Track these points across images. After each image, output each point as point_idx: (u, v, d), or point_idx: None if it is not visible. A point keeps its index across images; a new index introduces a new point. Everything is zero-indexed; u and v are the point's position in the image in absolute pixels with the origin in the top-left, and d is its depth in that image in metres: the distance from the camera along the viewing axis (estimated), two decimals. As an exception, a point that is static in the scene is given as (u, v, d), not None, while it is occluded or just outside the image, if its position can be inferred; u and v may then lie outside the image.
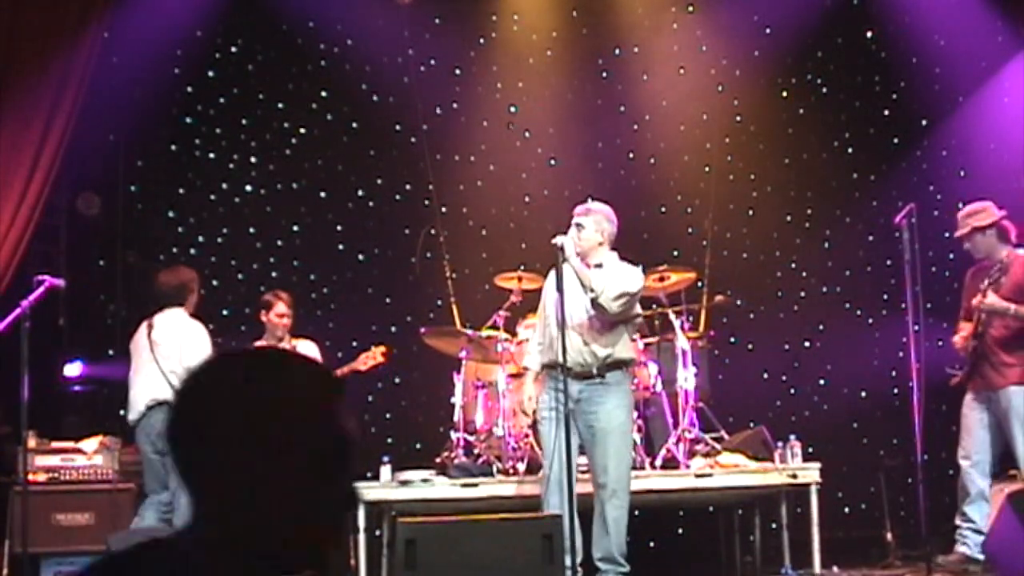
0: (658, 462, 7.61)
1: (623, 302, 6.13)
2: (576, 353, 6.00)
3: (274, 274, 9.62)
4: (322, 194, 9.98)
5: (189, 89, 9.75)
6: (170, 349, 7.08)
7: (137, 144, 9.65)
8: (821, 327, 9.80)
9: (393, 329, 9.50)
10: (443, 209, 9.44)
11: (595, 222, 6.14)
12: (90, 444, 7.85)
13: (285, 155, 9.91)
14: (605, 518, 5.94)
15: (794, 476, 7.34)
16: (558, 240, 6.03)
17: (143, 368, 7.11)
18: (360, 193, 10.03)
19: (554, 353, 6.07)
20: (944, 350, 7.18)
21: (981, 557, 6.67)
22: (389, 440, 9.16)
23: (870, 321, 9.65)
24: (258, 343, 7.60)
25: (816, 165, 10.01)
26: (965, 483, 6.72)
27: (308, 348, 7.56)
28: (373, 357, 7.38)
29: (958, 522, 6.77)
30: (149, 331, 7.17)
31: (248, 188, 9.93)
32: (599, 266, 6.13)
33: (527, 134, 10.05)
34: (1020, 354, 6.66)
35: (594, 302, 5.98)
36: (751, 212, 10.03)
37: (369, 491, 7.36)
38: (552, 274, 6.34)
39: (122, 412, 7.68)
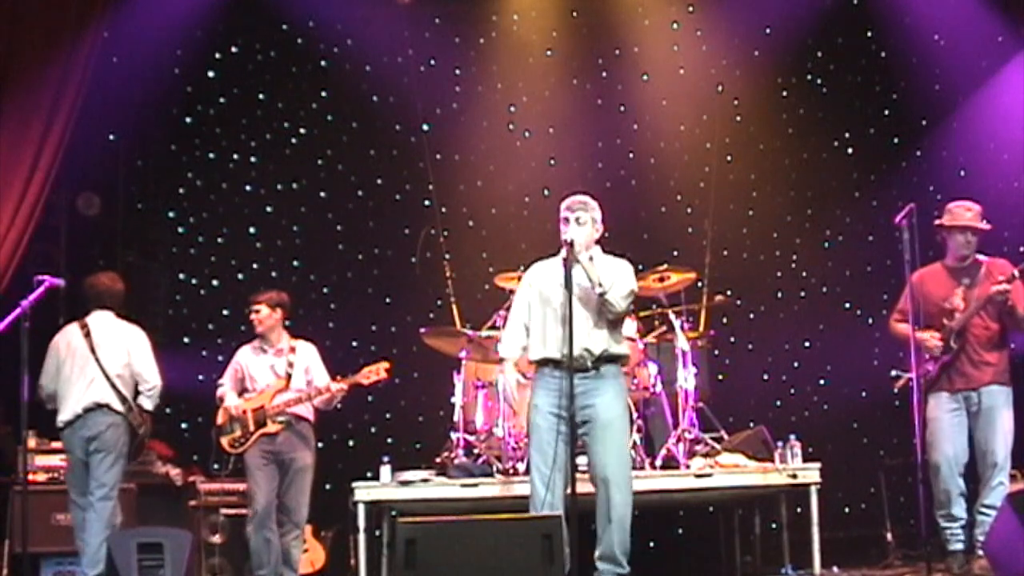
0: (658, 462, 7.61)
1: (630, 300, 6.14)
2: (567, 348, 5.98)
3: (274, 274, 9.62)
4: (322, 194, 9.99)
5: (189, 89, 9.76)
6: (115, 353, 7.13)
7: (137, 144, 9.67)
8: (821, 327, 9.81)
9: (393, 329, 9.51)
10: (443, 209, 9.44)
11: (593, 218, 6.12)
12: (89, 444, 7.83)
13: (285, 155, 9.92)
14: (609, 514, 5.91)
15: (794, 476, 7.33)
16: (568, 236, 5.98)
17: (83, 370, 7.09)
18: (360, 193, 10.04)
19: (551, 349, 6.05)
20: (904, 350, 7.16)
21: (963, 548, 6.72)
22: (389, 440, 9.17)
23: (870, 321, 9.63)
24: (256, 341, 7.54)
25: (816, 165, 10.01)
26: (947, 486, 6.71)
27: (307, 350, 7.54)
28: (376, 372, 7.34)
29: (944, 524, 6.76)
30: (86, 334, 7.16)
31: (248, 188, 9.94)
32: (590, 259, 6.10)
33: (527, 134, 10.05)
34: (998, 353, 6.77)
35: (602, 297, 5.97)
36: (751, 212, 10.03)
37: (369, 491, 7.36)
38: (537, 268, 6.33)
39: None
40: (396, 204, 9.98)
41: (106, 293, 7.30)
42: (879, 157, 9.95)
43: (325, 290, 9.82)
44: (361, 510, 7.34)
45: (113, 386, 7.06)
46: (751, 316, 9.80)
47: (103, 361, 7.09)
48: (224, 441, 7.33)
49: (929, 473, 6.74)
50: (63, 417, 7.08)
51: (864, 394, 9.46)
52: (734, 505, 8.56)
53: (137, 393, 7.19)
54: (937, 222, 6.84)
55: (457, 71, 10.03)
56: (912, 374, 6.71)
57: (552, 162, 9.99)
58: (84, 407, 7.05)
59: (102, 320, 7.24)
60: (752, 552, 8.49)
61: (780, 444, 7.56)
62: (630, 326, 7.97)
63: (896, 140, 10.02)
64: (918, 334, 6.75)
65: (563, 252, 6.12)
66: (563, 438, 5.91)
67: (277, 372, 7.40)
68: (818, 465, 7.36)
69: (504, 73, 10.04)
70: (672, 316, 8.19)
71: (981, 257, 6.90)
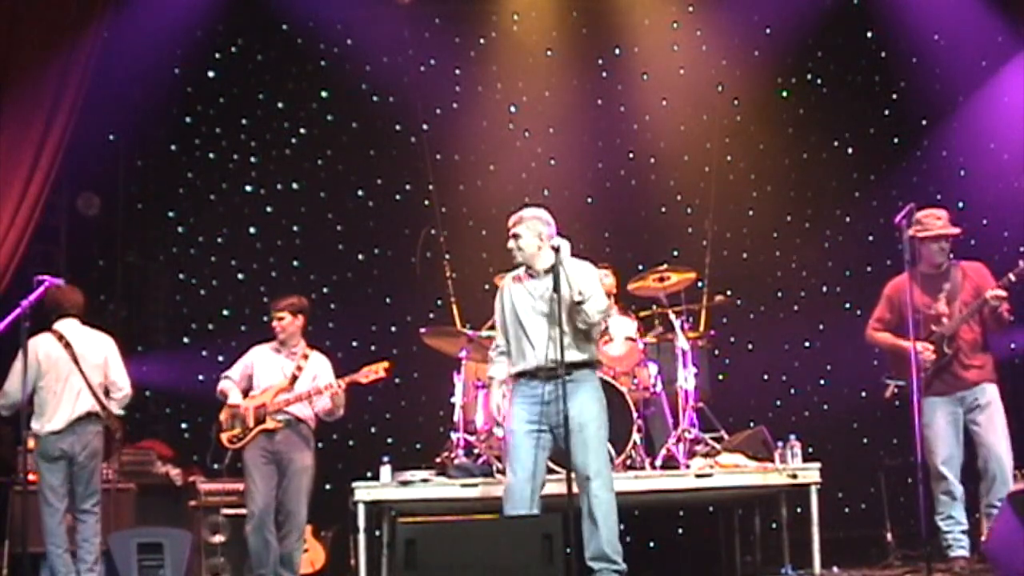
0: (658, 462, 7.61)
1: (605, 313, 6.22)
2: (544, 356, 6.02)
3: (274, 274, 9.63)
4: (322, 194, 9.99)
5: (189, 89, 9.76)
6: (95, 363, 7.16)
7: (137, 144, 9.67)
8: (821, 327, 9.81)
9: (393, 329, 9.51)
10: (443, 209, 9.44)
11: (529, 228, 6.16)
12: (90, 444, 7.83)
13: (285, 155, 9.92)
14: (593, 515, 5.92)
15: (794, 476, 7.33)
16: (555, 241, 6.05)
17: (68, 381, 7.09)
18: (360, 193, 10.05)
19: (526, 362, 6.11)
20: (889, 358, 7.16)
21: (965, 553, 6.72)
22: (389, 440, 9.17)
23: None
24: (272, 342, 7.52)
25: (816, 165, 10.02)
26: (949, 488, 6.74)
27: (320, 361, 7.51)
28: (376, 371, 7.34)
29: (947, 527, 6.77)
30: (65, 344, 7.14)
31: (248, 188, 9.94)
32: (552, 270, 6.12)
33: (527, 134, 10.05)
34: (984, 355, 6.87)
35: (579, 305, 6.00)
36: (751, 212, 10.03)
37: (369, 491, 7.36)
38: (506, 280, 6.38)
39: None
40: (396, 204, 9.98)
41: (66, 301, 7.26)
42: (879, 157, 9.95)
43: (325, 290, 9.82)
44: (361, 510, 7.33)
45: (95, 395, 7.11)
46: (751, 316, 9.80)
47: (87, 372, 7.11)
48: (224, 437, 7.34)
49: (930, 477, 6.76)
50: (51, 427, 7.04)
51: (864, 394, 9.45)
52: (734, 505, 8.56)
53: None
54: (910, 232, 6.83)
55: (457, 71, 10.03)
56: (904, 381, 6.73)
57: (552, 162, 9.99)
58: (77, 417, 7.06)
59: (74, 329, 7.22)
60: (752, 552, 8.49)
61: (780, 444, 7.56)
62: (630, 326, 7.98)
63: (896, 140, 10.02)
64: (907, 343, 6.75)
65: (520, 270, 6.26)
66: (541, 445, 6.04)
67: (284, 373, 7.41)
68: (818, 465, 7.35)
69: (504, 73, 10.05)
70: (672, 316, 8.19)
71: (961, 262, 6.95)
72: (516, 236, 6.17)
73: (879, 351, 7.28)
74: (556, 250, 6.00)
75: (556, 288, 5.91)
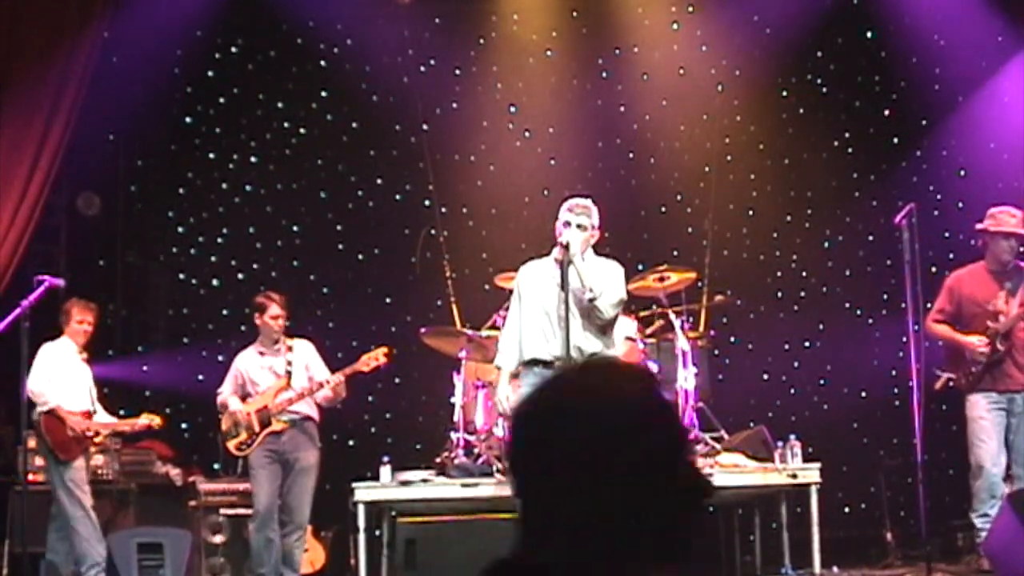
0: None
1: (619, 308, 6.20)
2: (565, 347, 6.01)
3: (274, 274, 9.62)
4: (322, 194, 9.99)
5: (189, 89, 9.76)
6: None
7: (137, 144, 9.67)
8: (821, 327, 9.80)
9: (393, 329, 9.49)
10: (443, 209, 9.44)
11: (592, 224, 6.15)
12: (90, 444, 7.85)
13: (285, 155, 9.92)
14: None
15: (794, 476, 7.34)
16: (564, 238, 6.02)
17: None
18: (360, 193, 10.04)
19: (541, 350, 6.08)
20: (943, 350, 7.18)
21: None
22: (389, 440, 9.16)
23: (870, 321, 9.65)
24: (254, 345, 7.54)
25: (816, 165, 10.01)
26: (991, 487, 6.69)
27: (304, 348, 7.54)
28: (375, 358, 7.37)
29: (982, 524, 6.72)
30: None
31: (248, 188, 9.94)
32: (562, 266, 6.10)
33: (527, 134, 10.05)
34: None
35: (591, 302, 5.99)
36: (751, 212, 10.02)
37: (369, 491, 7.37)
38: (528, 268, 6.37)
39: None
40: (396, 204, 9.98)
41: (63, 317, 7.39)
42: (879, 157, 9.95)
43: (325, 290, 9.82)
44: (361, 510, 7.34)
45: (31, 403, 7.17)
46: (751, 316, 9.79)
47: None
48: (231, 445, 7.34)
49: (971, 473, 6.75)
50: None
51: (864, 394, 9.47)
52: (734, 505, 8.56)
53: None
54: (980, 226, 6.85)
55: (457, 71, 10.02)
56: (956, 375, 6.73)
57: (552, 162, 9.98)
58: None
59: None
60: (752, 552, 8.49)
61: (780, 444, 7.56)
62: (630, 326, 7.98)
63: (896, 140, 10.01)
64: (966, 338, 6.79)
65: (555, 252, 6.17)
66: None
67: (277, 372, 7.41)
68: (818, 465, 7.35)
69: (504, 73, 10.04)
70: (672, 316, 8.19)
71: (1020, 263, 6.95)
72: (582, 227, 6.07)
73: (879, 349, 7.28)
74: (565, 247, 5.98)
75: (563, 284, 5.89)
